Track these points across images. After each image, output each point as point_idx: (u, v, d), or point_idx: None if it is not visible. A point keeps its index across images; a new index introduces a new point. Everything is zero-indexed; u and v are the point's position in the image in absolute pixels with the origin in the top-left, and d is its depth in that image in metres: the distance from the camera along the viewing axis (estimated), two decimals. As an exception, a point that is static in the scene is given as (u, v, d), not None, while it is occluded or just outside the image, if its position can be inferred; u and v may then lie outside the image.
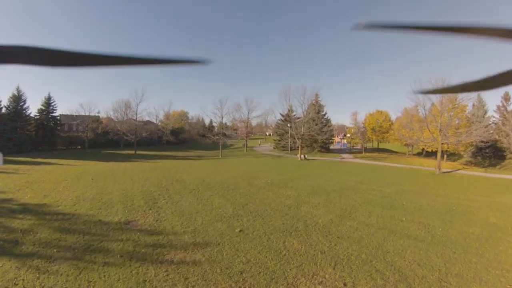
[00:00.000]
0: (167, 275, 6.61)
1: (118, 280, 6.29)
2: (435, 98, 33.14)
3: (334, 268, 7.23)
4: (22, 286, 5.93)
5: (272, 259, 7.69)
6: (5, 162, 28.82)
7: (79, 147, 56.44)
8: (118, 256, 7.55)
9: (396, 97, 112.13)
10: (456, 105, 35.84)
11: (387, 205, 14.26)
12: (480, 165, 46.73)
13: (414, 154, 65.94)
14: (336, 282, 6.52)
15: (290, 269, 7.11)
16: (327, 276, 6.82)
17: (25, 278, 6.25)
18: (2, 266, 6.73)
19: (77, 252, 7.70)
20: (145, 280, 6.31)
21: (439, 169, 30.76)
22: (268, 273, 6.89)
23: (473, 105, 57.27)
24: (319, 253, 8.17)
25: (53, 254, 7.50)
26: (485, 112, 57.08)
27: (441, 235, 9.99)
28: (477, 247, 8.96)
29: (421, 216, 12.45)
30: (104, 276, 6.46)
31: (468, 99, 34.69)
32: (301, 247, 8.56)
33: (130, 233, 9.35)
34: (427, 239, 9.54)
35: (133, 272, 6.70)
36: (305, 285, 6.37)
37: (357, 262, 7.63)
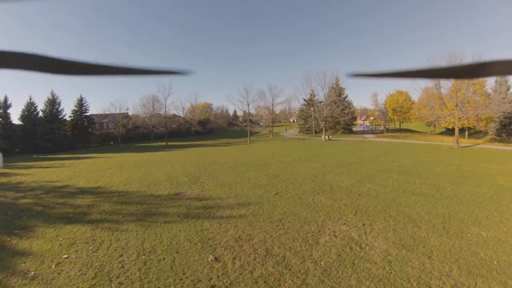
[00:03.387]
0: (220, 225, 8.41)
1: (180, 231, 8.01)
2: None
3: (355, 215, 8.96)
4: (100, 240, 7.48)
5: (304, 210, 9.54)
6: (49, 159, 31.51)
7: (112, 142, 59.79)
8: (176, 216, 9.33)
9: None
10: (475, 81, 36.31)
11: (403, 172, 15.87)
12: (505, 142, 46.57)
13: (437, 134, 65.90)
14: (356, 223, 8.25)
15: (319, 216, 8.90)
16: (349, 220, 8.56)
17: (101, 235, 7.82)
18: (78, 229, 8.29)
19: (140, 216, 9.43)
20: (203, 230, 8.06)
21: (457, 143, 31.55)
22: (302, 219, 8.70)
23: (496, 81, 56.62)
24: (343, 205, 9.94)
25: (119, 219, 9.15)
26: (508, 88, 56.43)
27: (449, 193, 11.47)
28: (481, 202, 10.31)
29: (433, 179, 13.96)
30: (168, 229, 8.16)
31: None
32: (328, 202, 10.39)
33: (181, 201, 11.21)
34: (436, 196, 11.07)
35: (191, 225, 8.44)
36: (332, 225, 8.12)
37: (374, 211, 9.33)
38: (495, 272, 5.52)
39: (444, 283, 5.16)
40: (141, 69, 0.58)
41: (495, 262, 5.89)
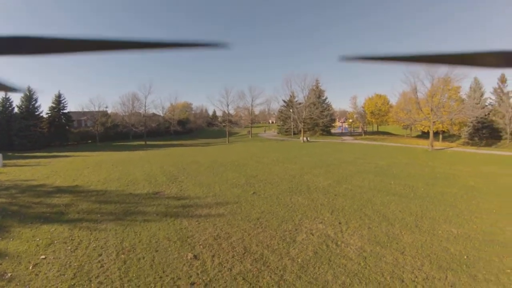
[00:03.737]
0: (198, 223, 8.50)
1: (159, 229, 8.06)
2: (428, 80, 34.81)
3: (331, 214, 9.23)
4: (79, 240, 7.42)
5: (281, 209, 9.74)
6: (24, 158, 30.55)
7: (90, 141, 58.52)
8: (154, 215, 9.36)
9: (394, 82, 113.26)
10: (450, 87, 37.65)
11: (379, 173, 16.37)
12: (476, 146, 48.31)
13: (413, 137, 67.68)
14: (333, 222, 8.51)
15: (296, 215, 9.12)
16: (325, 218, 8.82)
17: (79, 235, 7.75)
18: (55, 229, 8.16)
19: (118, 215, 9.41)
20: (181, 228, 8.14)
21: (432, 146, 32.60)
22: (279, 218, 8.90)
23: (470, 87, 58.73)
24: (319, 205, 10.21)
25: (97, 218, 9.08)
26: (482, 94, 58.51)
27: (423, 193, 11.96)
28: (452, 201, 10.82)
29: (408, 180, 14.48)
30: (147, 228, 8.19)
31: (459, 80, 36.18)
32: (305, 201, 10.64)
33: (160, 200, 11.23)
34: (410, 196, 11.53)
35: (170, 224, 8.50)
36: (309, 224, 8.35)
37: (350, 210, 9.63)
38: (464, 266, 5.87)
39: (416, 277, 5.45)
40: (166, 42, 0.54)
41: (465, 257, 6.26)
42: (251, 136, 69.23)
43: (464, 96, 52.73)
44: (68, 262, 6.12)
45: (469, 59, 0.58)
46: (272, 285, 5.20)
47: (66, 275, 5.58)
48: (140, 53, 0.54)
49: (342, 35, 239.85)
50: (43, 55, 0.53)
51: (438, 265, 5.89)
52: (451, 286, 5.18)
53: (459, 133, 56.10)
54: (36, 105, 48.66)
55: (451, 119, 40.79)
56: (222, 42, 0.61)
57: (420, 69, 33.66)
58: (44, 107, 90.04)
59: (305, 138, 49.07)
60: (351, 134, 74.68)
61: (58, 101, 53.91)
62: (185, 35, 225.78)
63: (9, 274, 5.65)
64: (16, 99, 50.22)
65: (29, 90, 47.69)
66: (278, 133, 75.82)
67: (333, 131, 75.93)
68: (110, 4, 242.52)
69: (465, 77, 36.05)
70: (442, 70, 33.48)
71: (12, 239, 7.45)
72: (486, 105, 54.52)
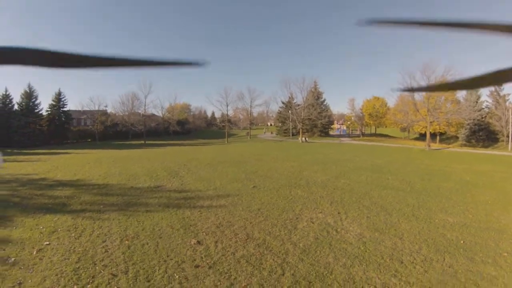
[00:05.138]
0: (201, 213, 8.63)
1: (162, 219, 8.17)
2: (424, 82, 35.20)
3: (330, 205, 9.40)
4: (82, 228, 7.50)
5: (281, 201, 9.90)
6: (24, 154, 30.62)
7: (89, 140, 58.56)
8: (157, 206, 9.47)
9: (391, 84, 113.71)
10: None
11: (376, 170, 16.61)
12: (473, 147, 48.63)
13: (411, 139, 68.13)
14: (332, 212, 8.67)
15: (297, 206, 9.28)
16: (325, 209, 8.98)
17: (82, 223, 7.84)
18: (58, 218, 8.23)
19: (121, 206, 9.49)
20: (184, 217, 8.25)
21: (429, 146, 32.99)
22: (280, 208, 9.05)
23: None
24: (319, 197, 10.39)
25: (100, 209, 9.17)
26: (478, 97, 58.95)
27: (419, 187, 12.18)
28: (448, 194, 11.08)
29: (404, 176, 14.72)
30: (149, 217, 8.29)
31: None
32: (304, 194, 10.81)
33: (161, 192, 11.34)
34: (406, 189, 11.74)
35: (172, 214, 8.62)
36: (309, 214, 8.51)
37: (348, 202, 9.81)
38: (461, 249, 6.06)
39: (415, 259, 5.63)
40: (149, 61, 0.54)
41: (461, 242, 6.46)
42: (250, 137, 69.48)
43: (461, 99, 53.16)
44: (73, 248, 6.22)
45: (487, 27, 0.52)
46: (275, 267, 5.33)
47: (70, 259, 5.67)
48: (133, 69, 0.57)
49: (342, 36, 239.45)
50: (42, 68, 0.53)
51: (436, 249, 6.06)
52: (449, 266, 5.35)
53: (457, 135, 56.45)
54: (36, 102, 48.75)
55: (447, 120, 41.15)
56: (200, 61, 0.58)
57: (416, 70, 34.19)
58: (44, 104, 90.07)
59: (303, 139, 49.51)
60: (349, 136, 75.20)
61: (58, 99, 54.04)
62: (184, 36, 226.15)
63: (13, 259, 5.71)
64: (16, 96, 50.31)
65: (29, 87, 47.78)
66: (277, 134, 76.29)
67: (331, 133, 76.48)
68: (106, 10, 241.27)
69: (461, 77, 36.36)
70: (438, 71, 33.93)
71: (15, 228, 7.50)
72: (483, 108, 54.98)
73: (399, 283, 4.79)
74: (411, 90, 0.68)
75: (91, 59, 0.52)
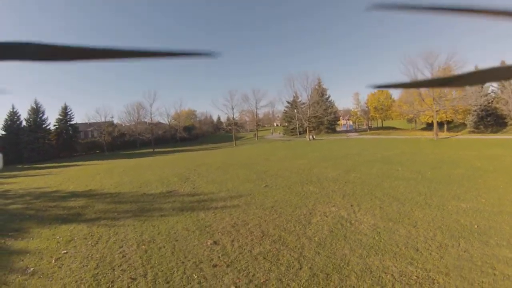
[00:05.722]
0: (215, 214, 8.70)
1: (177, 222, 8.25)
2: (428, 72, 35.07)
3: (343, 198, 9.41)
4: (98, 235, 7.61)
5: (294, 197, 9.95)
6: (34, 168, 31.04)
7: (98, 151, 59.03)
8: (171, 210, 9.57)
9: (394, 76, 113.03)
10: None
11: (386, 162, 16.58)
12: (482, 133, 48.02)
13: (418, 130, 67.61)
14: (345, 205, 8.68)
15: (309, 201, 9.31)
16: (338, 202, 8.99)
17: (98, 231, 7.96)
18: (74, 228, 8.37)
19: (135, 212, 9.61)
20: (199, 219, 8.33)
21: (437, 135, 32.74)
22: (293, 205, 9.09)
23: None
24: (331, 192, 10.41)
25: (115, 216, 9.30)
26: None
27: (430, 176, 12.13)
28: (459, 181, 11.03)
29: (414, 166, 14.67)
30: (164, 221, 8.38)
31: (459, 67, 36.32)
32: (316, 190, 10.84)
33: (174, 197, 11.44)
34: (417, 179, 11.70)
35: (187, 216, 8.70)
36: (322, 208, 8.52)
37: (360, 194, 9.82)
38: (476, 234, 6.04)
39: (430, 245, 5.63)
40: (161, 52, 0.53)
41: (475, 226, 6.43)
42: (257, 139, 69.62)
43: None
44: (90, 255, 6.31)
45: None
46: (292, 262, 5.36)
47: (89, 266, 5.76)
48: (139, 61, 0.56)
49: (342, 34, 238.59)
50: (44, 62, 0.52)
51: (450, 235, 6.06)
52: (465, 251, 5.34)
53: (464, 122, 55.77)
54: (43, 117, 49.34)
55: (454, 108, 40.82)
56: (214, 52, 0.59)
57: (418, 59, 34.03)
58: (51, 119, 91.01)
59: (311, 137, 49.52)
60: (356, 130, 74.92)
61: (65, 113, 54.67)
62: (187, 38, 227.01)
63: (32, 269, 5.80)
64: (23, 113, 50.93)
65: (36, 103, 48.40)
66: (283, 134, 76.27)
67: (338, 129, 76.23)
68: (103, 9, 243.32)
69: (465, 64, 36.17)
70: (441, 58, 33.68)
71: (32, 239, 7.64)
72: (489, 93, 54.26)
73: (416, 271, 4.80)
74: (389, 86, 0.64)
75: (99, 51, 0.52)
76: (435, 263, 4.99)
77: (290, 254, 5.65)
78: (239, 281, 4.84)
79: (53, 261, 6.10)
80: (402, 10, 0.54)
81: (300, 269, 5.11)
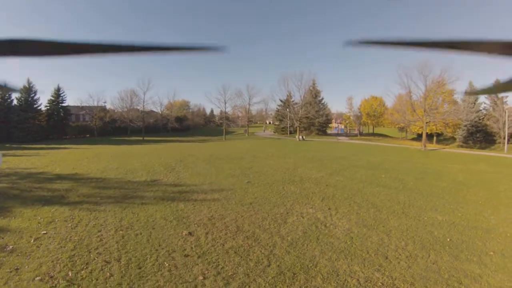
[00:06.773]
0: (194, 206, 8.87)
1: (156, 211, 8.40)
2: (422, 84, 35.53)
3: (322, 201, 9.62)
4: (79, 219, 7.73)
5: (274, 196, 10.15)
6: (22, 149, 30.69)
7: (88, 135, 58.44)
8: (152, 198, 9.72)
9: (388, 84, 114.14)
10: (444, 90, 38.54)
11: (371, 167, 16.86)
12: (470, 149, 48.69)
13: (408, 139, 68.23)
14: (323, 207, 8.89)
15: (288, 201, 9.52)
16: (316, 204, 9.20)
17: (79, 214, 8.07)
18: (56, 210, 8.46)
19: (117, 199, 9.75)
20: (178, 210, 8.49)
21: (425, 146, 33.17)
22: (271, 203, 9.29)
23: (465, 91, 59.08)
24: (311, 193, 10.61)
25: (97, 201, 9.41)
26: (476, 99, 58.90)
27: (412, 186, 12.39)
28: (440, 193, 11.27)
29: (398, 174, 14.93)
30: (144, 209, 8.53)
31: (452, 81, 36.89)
32: (297, 190, 11.05)
33: (157, 186, 11.59)
34: (399, 187, 11.94)
35: (167, 206, 8.86)
36: (299, 208, 8.72)
37: (340, 198, 10.03)
38: (447, 247, 6.26)
39: (400, 254, 5.85)
40: (165, 47, 0.54)
41: (448, 239, 6.66)
42: (248, 135, 69.64)
43: (459, 100, 53.26)
44: (69, 237, 6.43)
45: (465, 45, 0.53)
46: (262, 259, 5.54)
47: (66, 247, 5.89)
48: (140, 55, 0.56)
49: (341, 34, 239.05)
50: (41, 57, 0.53)
51: (422, 245, 6.28)
52: (433, 263, 5.55)
53: (454, 136, 56.51)
54: (35, 97, 48.55)
55: (444, 121, 41.41)
56: (220, 46, 0.60)
57: (413, 70, 34.43)
58: (43, 100, 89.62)
59: (301, 137, 49.75)
60: (346, 135, 75.20)
61: (57, 94, 53.73)
62: (183, 36, 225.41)
63: (11, 247, 5.92)
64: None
65: (28, 82, 47.65)
66: (274, 132, 76.34)
67: (329, 132, 76.53)
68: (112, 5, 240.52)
69: (458, 79, 36.70)
70: (435, 70, 34.13)
71: (14, 218, 7.71)
72: (480, 110, 55.01)
73: (382, 277, 5.00)
74: (370, 43, 0.59)
75: (96, 46, 0.53)
76: (402, 272, 5.19)
77: (261, 251, 5.82)
78: (208, 272, 5.01)
79: (32, 241, 6.21)
80: (376, 46, 0.56)
81: (269, 266, 5.29)
